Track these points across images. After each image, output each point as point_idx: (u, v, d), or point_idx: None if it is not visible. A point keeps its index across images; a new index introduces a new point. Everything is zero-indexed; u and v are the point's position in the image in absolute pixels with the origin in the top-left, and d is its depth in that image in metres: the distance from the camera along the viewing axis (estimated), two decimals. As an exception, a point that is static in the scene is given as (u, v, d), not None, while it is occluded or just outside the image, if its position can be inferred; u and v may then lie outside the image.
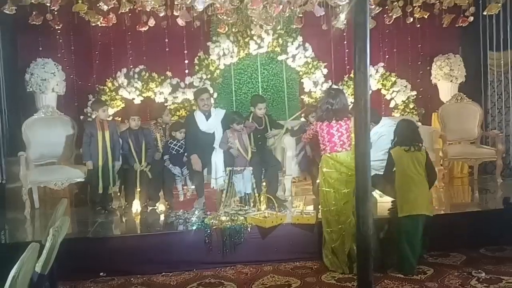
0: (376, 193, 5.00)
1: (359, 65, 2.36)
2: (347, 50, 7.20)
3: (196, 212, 4.95)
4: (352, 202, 4.04)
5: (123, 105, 6.94)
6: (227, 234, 4.48)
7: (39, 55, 6.63)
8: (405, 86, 7.38)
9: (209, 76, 7.10)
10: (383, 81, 7.39)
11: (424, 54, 7.59)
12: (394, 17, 6.32)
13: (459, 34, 7.34)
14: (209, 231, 4.49)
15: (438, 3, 6.29)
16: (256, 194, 5.09)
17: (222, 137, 5.57)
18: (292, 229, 4.61)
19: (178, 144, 5.64)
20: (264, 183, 5.28)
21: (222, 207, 4.99)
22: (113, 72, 6.99)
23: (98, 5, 5.64)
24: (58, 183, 5.62)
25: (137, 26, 6.34)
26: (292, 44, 7.15)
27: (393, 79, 7.38)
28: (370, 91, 7.02)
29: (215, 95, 7.05)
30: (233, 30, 6.91)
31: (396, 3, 6.19)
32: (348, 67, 7.26)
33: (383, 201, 4.84)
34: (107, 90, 6.88)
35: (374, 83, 7.33)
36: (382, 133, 5.06)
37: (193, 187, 5.68)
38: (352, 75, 7.07)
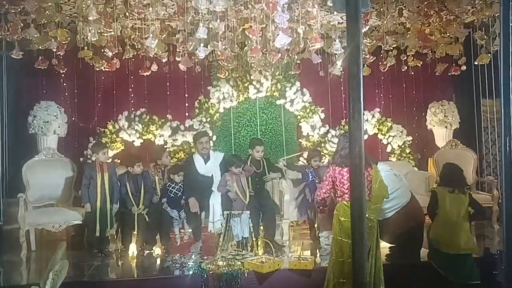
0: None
1: (353, 114, 2.47)
2: (343, 96, 7.37)
3: (193, 257, 4.93)
4: (375, 255, 4.00)
5: (123, 147, 7.03)
6: (224, 279, 4.46)
7: (42, 97, 6.79)
8: (401, 131, 7.53)
9: (208, 119, 7.23)
10: (379, 126, 7.54)
11: (419, 101, 7.78)
12: (388, 65, 6.52)
13: (453, 82, 7.55)
14: (205, 276, 4.47)
15: (431, 53, 6.50)
16: (254, 238, 5.09)
17: (221, 180, 5.62)
18: (289, 274, 4.60)
19: (177, 187, 5.69)
20: (261, 227, 5.29)
21: (219, 251, 4.99)
22: (115, 115, 7.13)
23: (103, 51, 5.82)
24: (56, 225, 5.61)
25: (139, 71, 6.51)
26: (290, 89, 7.33)
27: (389, 124, 7.54)
28: (367, 136, 7.22)
29: (214, 138, 7.16)
30: (233, 75, 7.08)
31: (390, 52, 6.40)
32: (345, 111, 7.40)
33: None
34: (108, 132, 6.99)
35: (370, 128, 7.47)
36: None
37: (190, 230, 5.68)
38: (349, 120, 7.32)
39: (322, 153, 6.77)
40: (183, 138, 7.12)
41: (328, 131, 7.43)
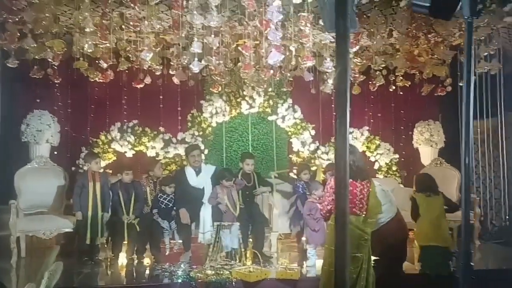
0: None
1: (339, 129, 2.61)
2: (334, 113, 7.52)
3: (182, 266, 5.01)
4: (367, 269, 4.08)
5: (115, 158, 7.10)
6: (212, 287, 4.53)
7: (36, 106, 6.83)
8: (389, 149, 7.71)
9: (201, 133, 7.35)
10: (368, 143, 7.71)
11: (407, 120, 7.97)
12: (378, 85, 6.70)
13: (439, 102, 7.75)
14: (194, 284, 4.55)
15: (419, 73, 6.70)
16: (243, 249, 5.18)
17: (212, 193, 5.72)
18: (276, 284, 4.69)
19: (168, 199, 5.77)
20: (251, 239, 5.37)
21: (208, 261, 5.06)
22: (107, 126, 7.21)
23: (97, 62, 5.92)
24: (46, 233, 5.65)
25: (133, 83, 6.59)
26: (282, 105, 7.49)
27: (377, 142, 7.72)
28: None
29: (206, 151, 7.26)
30: (226, 90, 7.22)
31: (379, 72, 6.59)
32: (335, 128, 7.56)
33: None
34: (100, 143, 7.06)
35: (359, 145, 7.63)
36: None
37: (181, 241, 5.75)
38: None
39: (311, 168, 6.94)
40: (175, 151, 7.21)
41: (318, 148, 7.58)
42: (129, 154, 7.14)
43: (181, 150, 7.07)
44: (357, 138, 7.65)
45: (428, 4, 1.46)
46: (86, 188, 5.59)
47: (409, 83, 6.96)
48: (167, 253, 5.73)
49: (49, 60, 5.85)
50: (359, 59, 6.09)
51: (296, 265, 5.00)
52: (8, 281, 5.08)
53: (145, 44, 5.57)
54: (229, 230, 5.40)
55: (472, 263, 1.56)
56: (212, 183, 5.86)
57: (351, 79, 6.13)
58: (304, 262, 5.38)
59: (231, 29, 5.74)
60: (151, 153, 7.16)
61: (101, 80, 6.39)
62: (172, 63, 6.05)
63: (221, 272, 4.69)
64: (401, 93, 7.19)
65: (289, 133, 7.62)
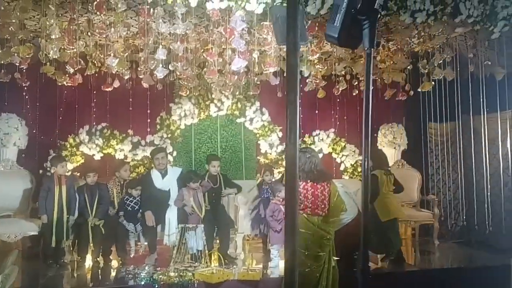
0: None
1: (290, 136, 2.76)
2: (301, 116, 7.69)
3: (147, 268, 5.12)
4: (328, 268, 4.25)
5: (82, 160, 7.12)
6: (174, 289, 4.65)
7: (3, 109, 6.79)
8: (354, 151, 7.92)
9: (169, 135, 7.42)
10: (333, 145, 7.91)
11: (372, 123, 8.15)
12: (341, 89, 6.89)
13: (402, 106, 8.00)
14: (157, 286, 4.65)
15: (379, 79, 6.93)
16: (207, 251, 5.31)
17: (178, 195, 5.82)
18: (238, 285, 4.83)
19: (134, 201, 5.85)
20: (217, 240, 5.50)
21: (172, 263, 5.17)
22: (76, 129, 7.21)
23: (65, 66, 5.93)
24: (11, 236, 5.67)
25: (102, 87, 6.62)
26: (250, 108, 7.63)
27: (343, 144, 7.92)
28: (321, 155, 7.55)
29: (175, 153, 7.35)
30: (195, 93, 7.31)
31: (342, 77, 6.78)
32: (302, 131, 7.75)
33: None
34: (68, 145, 7.07)
35: (325, 147, 7.83)
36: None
37: (146, 243, 5.84)
38: (305, 138, 7.66)
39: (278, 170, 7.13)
40: (143, 153, 7.27)
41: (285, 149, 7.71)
42: (97, 156, 7.17)
43: (149, 152, 7.13)
44: (323, 140, 7.84)
45: (336, 35, 1.62)
46: (52, 191, 5.63)
47: (372, 87, 7.13)
48: (132, 255, 5.82)
49: (16, 64, 5.85)
50: (321, 65, 6.25)
51: (260, 266, 5.14)
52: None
53: (114, 49, 5.63)
54: (194, 232, 5.50)
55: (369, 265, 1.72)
56: (178, 185, 5.97)
57: (313, 85, 6.30)
58: (269, 262, 5.54)
59: (199, 34, 5.84)
60: (119, 155, 7.21)
61: (69, 84, 6.41)
62: (139, 68, 6.11)
63: (184, 274, 4.80)
64: (365, 96, 7.38)
65: (257, 135, 7.76)
